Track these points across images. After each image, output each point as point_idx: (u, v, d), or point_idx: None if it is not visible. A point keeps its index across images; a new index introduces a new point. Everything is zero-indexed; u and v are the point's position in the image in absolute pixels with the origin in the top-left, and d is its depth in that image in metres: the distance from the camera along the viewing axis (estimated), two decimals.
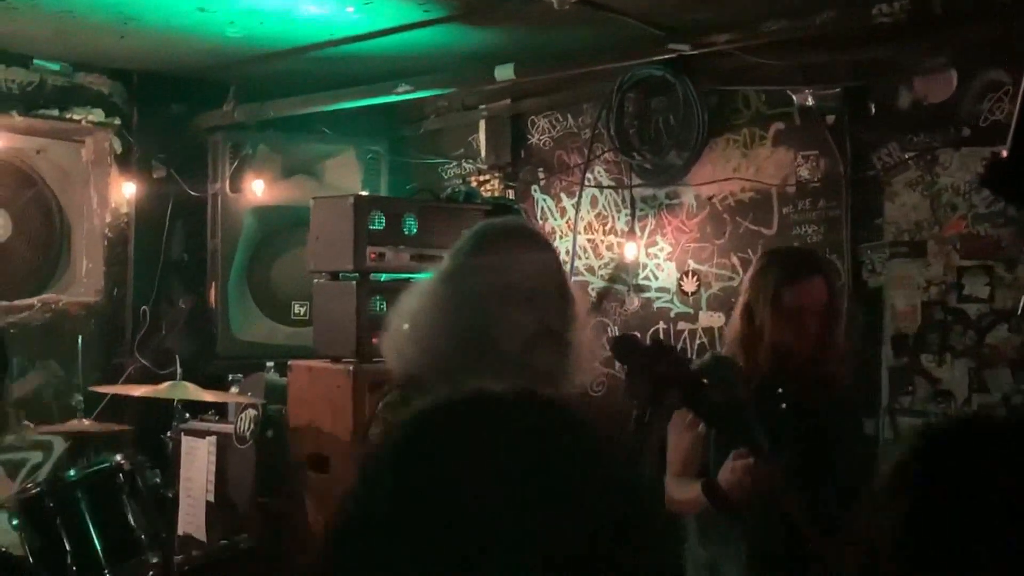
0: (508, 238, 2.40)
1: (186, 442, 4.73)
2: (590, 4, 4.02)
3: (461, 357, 2.23)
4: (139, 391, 4.55)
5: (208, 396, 4.59)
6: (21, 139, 5.60)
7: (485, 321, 2.25)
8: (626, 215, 5.23)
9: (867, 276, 4.42)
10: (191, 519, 4.64)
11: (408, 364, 2.33)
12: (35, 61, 5.40)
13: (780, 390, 2.88)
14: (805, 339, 3.03)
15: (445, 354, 2.25)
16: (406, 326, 2.36)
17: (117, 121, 5.69)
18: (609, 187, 5.31)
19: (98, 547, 4.08)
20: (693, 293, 4.97)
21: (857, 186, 4.43)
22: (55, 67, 5.45)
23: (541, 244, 2.46)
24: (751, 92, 4.76)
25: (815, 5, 3.99)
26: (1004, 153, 1.78)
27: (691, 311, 4.98)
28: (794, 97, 4.53)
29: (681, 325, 5.02)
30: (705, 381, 2.48)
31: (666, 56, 4.53)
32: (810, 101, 4.47)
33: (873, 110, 4.40)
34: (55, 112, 5.51)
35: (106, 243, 5.74)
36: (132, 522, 4.24)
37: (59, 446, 5.19)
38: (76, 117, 5.57)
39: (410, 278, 4.50)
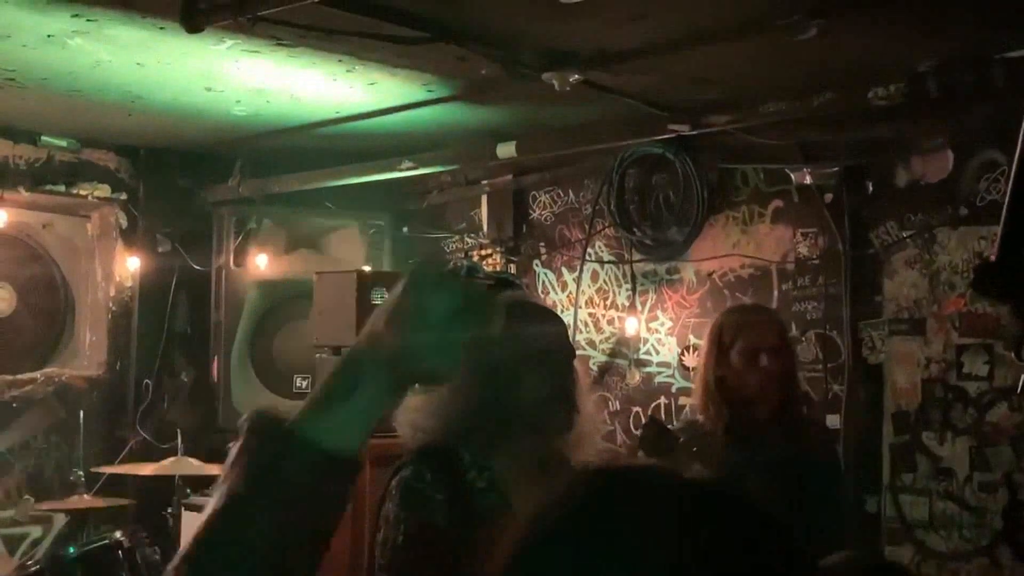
0: (520, 310, 2.48)
1: (187, 517, 4.72)
2: (591, 85, 4.09)
3: (479, 426, 2.30)
4: (144, 469, 4.55)
5: (212, 469, 4.59)
6: (28, 214, 5.66)
7: (501, 388, 2.32)
8: (627, 290, 5.26)
9: (867, 353, 4.43)
10: None
11: (425, 436, 2.38)
12: (43, 137, 5.47)
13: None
14: (765, 382, 3.08)
15: (463, 424, 2.32)
16: (421, 399, 2.42)
17: (123, 196, 5.76)
18: (610, 262, 5.35)
19: None
20: (694, 368, 4.97)
21: (856, 263, 4.46)
22: (62, 143, 5.52)
23: (551, 315, 2.55)
24: (750, 170, 4.82)
25: (813, 87, 4.05)
26: (992, 257, 1.82)
27: (692, 386, 4.98)
28: (792, 175, 4.58)
29: (683, 400, 5.02)
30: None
31: (666, 136, 4.59)
32: (808, 179, 4.53)
33: (871, 189, 4.45)
34: (62, 187, 5.57)
35: (110, 316, 5.77)
36: None
37: (59, 521, 5.16)
38: (83, 192, 5.63)
39: None
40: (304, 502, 1.04)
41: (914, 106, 3.99)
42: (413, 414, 2.43)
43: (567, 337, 2.57)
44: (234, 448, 1.07)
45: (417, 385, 1.18)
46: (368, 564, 2.40)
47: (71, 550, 4.28)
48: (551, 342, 2.44)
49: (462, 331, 1.10)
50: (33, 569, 4.18)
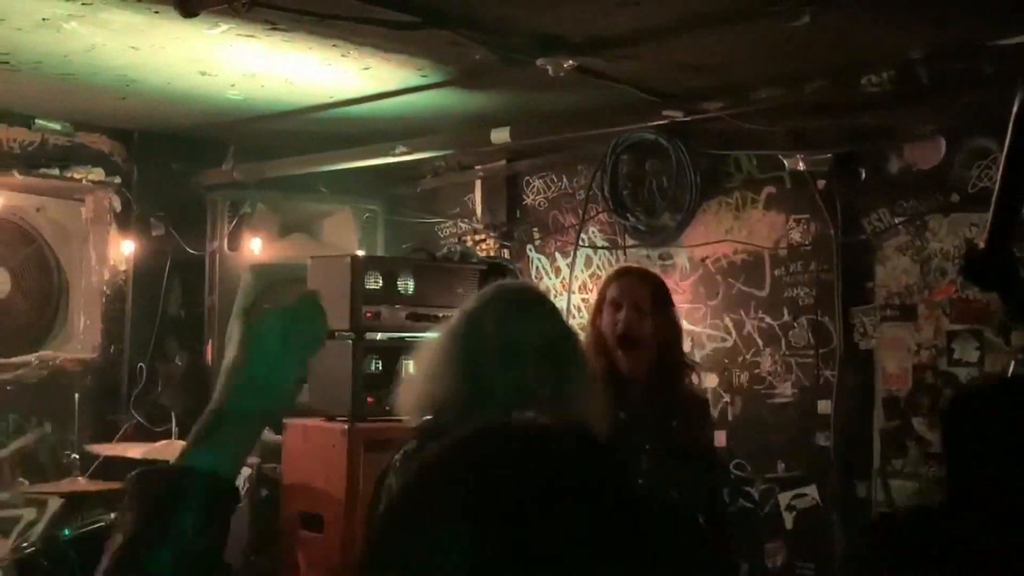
0: (515, 300, 2.51)
1: None
2: (585, 71, 4.10)
3: (460, 411, 2.34)
4: (135, 451, 4.56)
5: None
6: (21, 197, 5.66)
7: (483, 377, 2.36)
8: None
9: (858, 339, 4.46)
10: None
11: (413, 414, 2.46)
12: (36, 121, 5.46)
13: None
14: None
15: (445, 407, 2.37)
16: (416, 377, 2.48)
17: (117, 179, 5.75)
18: (603, 247, 5.36)
19: None
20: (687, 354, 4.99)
21: (848, 250, 4.49)
22: (56, 127, 5.51)
23: (547, 309, 2.56)
24: (743, 156, 4.83)
25: (806, 74, 4.06)
26: (980, 244, 1.86)
27: None
28: (785, 162, 4.60)
29: None
30: None
31: (660, 122, 4.61)
32: (801, 166, 4.55)
33: (863, 176, 4.47)
34: (56, 171, 5.56)
35: (104, 300, 5.77)
36: None
37: (53, 503, 5.17)
38: (76, 176, 5.62)
39: (405, 337, 4.55)
40: (196, 527, 1.16)
41: (906, 93, 4.01)
42: (415, 398, 2.48)
43: (563, 330, 2.58)
44: (125, 498, 1.18)
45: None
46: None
47: (66, 532, 4.29)
48: (541, 336, 2.46)
49: (293, 351, 1.26)
50: (28, 551, 4.20)
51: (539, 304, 2.57)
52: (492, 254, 5.71)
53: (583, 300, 5.41)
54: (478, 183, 5.88)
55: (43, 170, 5.53)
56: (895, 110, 4.26)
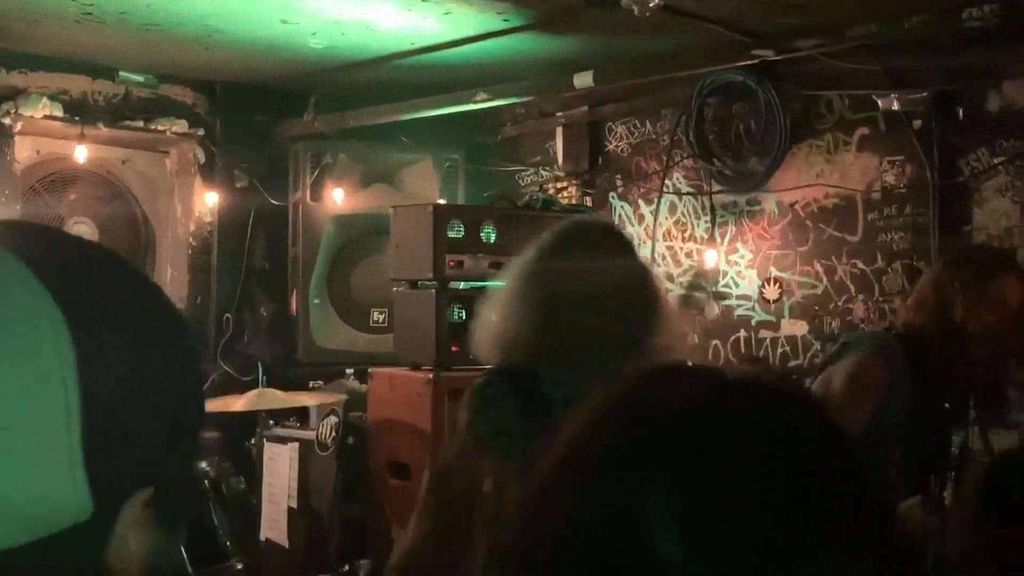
0: (585, 236, 2.45)
1: (269, 448, 4.79)
2: (671, 10, 3.99)
3: (532, 351, 2.31)
4: (235, 404, 4.60)
5: (302, 399, 4.67)
6: (107, 149, 5.71)
7: (552, 317, 2.31)
8: (706, 222, 5.18)
9: None
10: (274, 524, 4.69)
11: (487, 355, 2.45)
12: (121, 73, 5.50)
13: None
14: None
15: (518, 348, 2.34)
16: (490, 319, 2.45)
17: (200, 131, 5.78)
18: (688, 193, 5.27)
19: (183, 553, 4.14)
20: (775, 301, 4.91)
21: (945, 192, 4.34)
22: (140, 79, 5.55)
23: (619, 243, 2.48)
24: (835, 97, 4.69)
25: (903, 10, 3.92)
26: None
27: (773, 319, 4.92)
28: (879, 102, 4.45)
29: (763, 333, 4.96)
30: None
31: (749, 62, 4.48)
32: (896, 106, 4.39)
33: (961, 115, 4.31)
34: (140, 123, 5.60)
35: (190, 252, 5.83)
36: (218, 528, 4.30)
37: None
38: (161, 128, 5.66)
39: (489, 286, 4.52)
40: None
41: (1008, 28, 3.85)
42: (489, 340, 2.44)
43: (634, 257, 2.51)
44: None
45: None
46: None
47: None
48: (614, 264, 2.40)
49: None
50: None
51: (610, 238, 2.50)
52: (574, 202, 5.65)
53: (667, 248, 5.33)
54: (559, 130, 5.80)
55: (128, 122, 5.57)
56: (996, 46, 4.08)
